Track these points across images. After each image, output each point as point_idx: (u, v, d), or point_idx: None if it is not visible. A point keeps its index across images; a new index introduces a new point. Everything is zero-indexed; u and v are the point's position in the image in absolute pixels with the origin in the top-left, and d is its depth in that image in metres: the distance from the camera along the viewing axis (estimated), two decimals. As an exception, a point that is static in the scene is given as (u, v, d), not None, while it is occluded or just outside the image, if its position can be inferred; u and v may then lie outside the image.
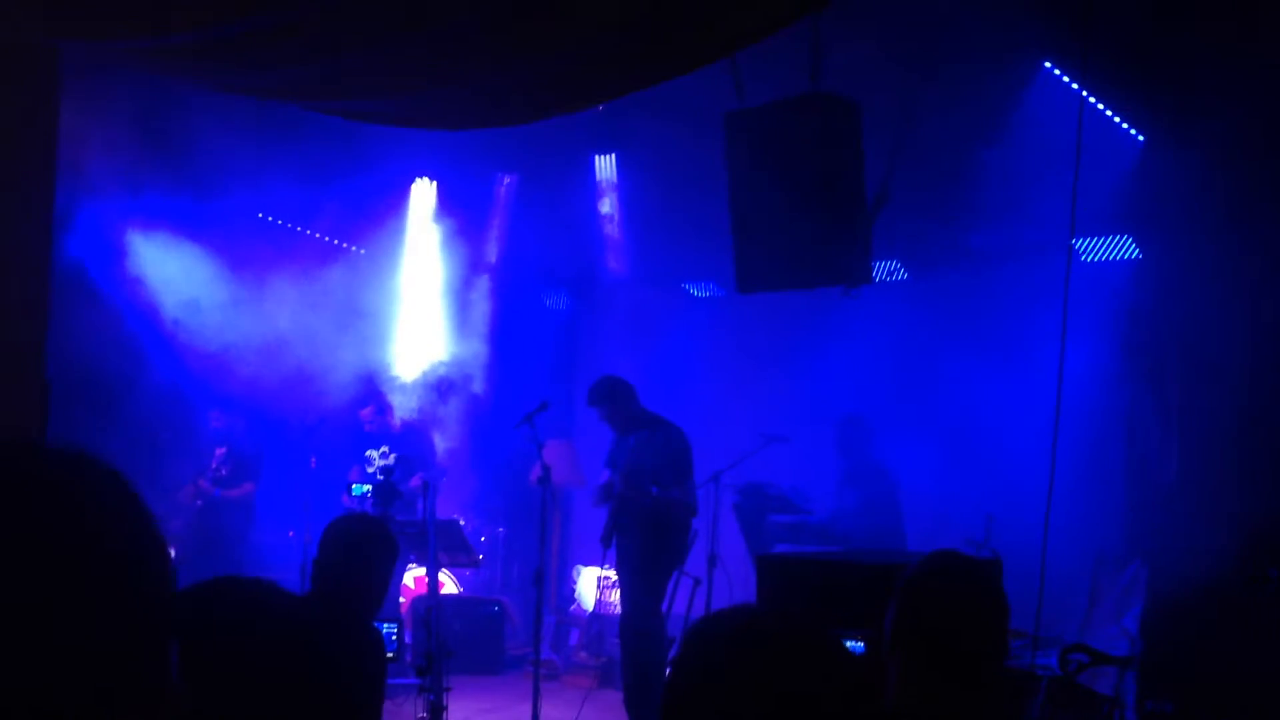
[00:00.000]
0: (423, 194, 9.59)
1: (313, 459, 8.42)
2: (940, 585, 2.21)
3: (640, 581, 6.72)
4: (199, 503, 8.28)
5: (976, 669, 2.13)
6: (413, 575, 8.65)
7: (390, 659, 4.00)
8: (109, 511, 0.84)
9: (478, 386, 9.66)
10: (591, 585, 9.17)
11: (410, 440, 8.74)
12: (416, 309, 9.93)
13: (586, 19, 3.70)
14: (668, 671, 1.39)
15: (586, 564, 9.44)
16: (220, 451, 8.41)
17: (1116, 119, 6.74)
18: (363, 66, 3.95)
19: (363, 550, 3.64)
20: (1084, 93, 5.95)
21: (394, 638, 4.30)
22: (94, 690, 0.78)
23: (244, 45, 3.84)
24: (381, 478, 7.25)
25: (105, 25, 3.88)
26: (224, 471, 8.36)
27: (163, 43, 3.96)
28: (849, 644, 2.62)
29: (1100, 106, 6.58)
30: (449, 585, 9.12)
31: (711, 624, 1.39)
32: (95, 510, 0.82)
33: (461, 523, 8.79)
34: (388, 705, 5.35)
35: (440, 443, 9.18)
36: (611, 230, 9.16)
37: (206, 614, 1.45)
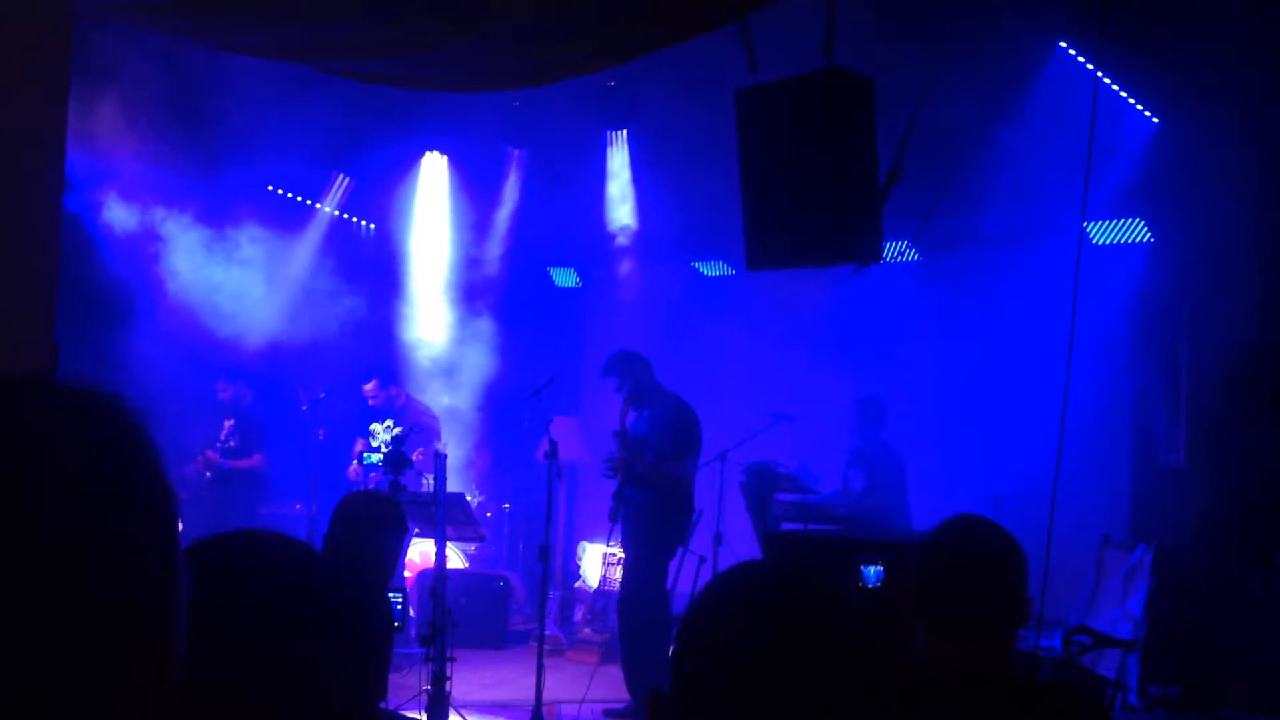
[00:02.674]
0: (433, 168, 9.56)
1: (320, 432, 8.44)
2: (946, 558, 2.24)
3: (642, 559, 6.74)
4: (208, 474, 8.31)
5: (985, 634, 2.17)
6: (419, 549, 8.67)
7: (396, 628, 4.03)
8: (100, 454, 0.79)
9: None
10: (596, 562, 9.19)
11: (412, 415, 8.76)
12: (425, 283, 9.93)
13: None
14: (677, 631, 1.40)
15: (591, 540, 9.46)
16: (229, 423, 8.44)
17: (1131, 101, 6.69)
18: (372, 25, 3.93)
19: (373, 526, 3.70)
20: (1099, 74, 5.90)
21: (399, 607, 4.33)
22: (67, 655, 0.74)
23: (255, 2, 3.81)
24: (390, 448, 7.26)
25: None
26: (232, 443, 8.39)
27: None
28: (869, 569, 2.66)
29: (1115, 88, 6.53)
30: (454, 560, 9.14)
31: (724, 576, 1.40)
32: (84, 450, 0.77)
33: (468, 497, 8.81)
34: (393, 676, 5.36)
35: (439, 414, 9.21)
36: (622, 207, 9.13)
37: (223, 565, 1.45)
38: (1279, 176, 6.46)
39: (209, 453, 8.31)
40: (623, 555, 7.12)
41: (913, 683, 2.15)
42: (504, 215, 9.75)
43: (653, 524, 6.71)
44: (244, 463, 8.36)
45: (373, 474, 8.26)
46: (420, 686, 5.83)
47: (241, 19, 3.94)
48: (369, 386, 8.81)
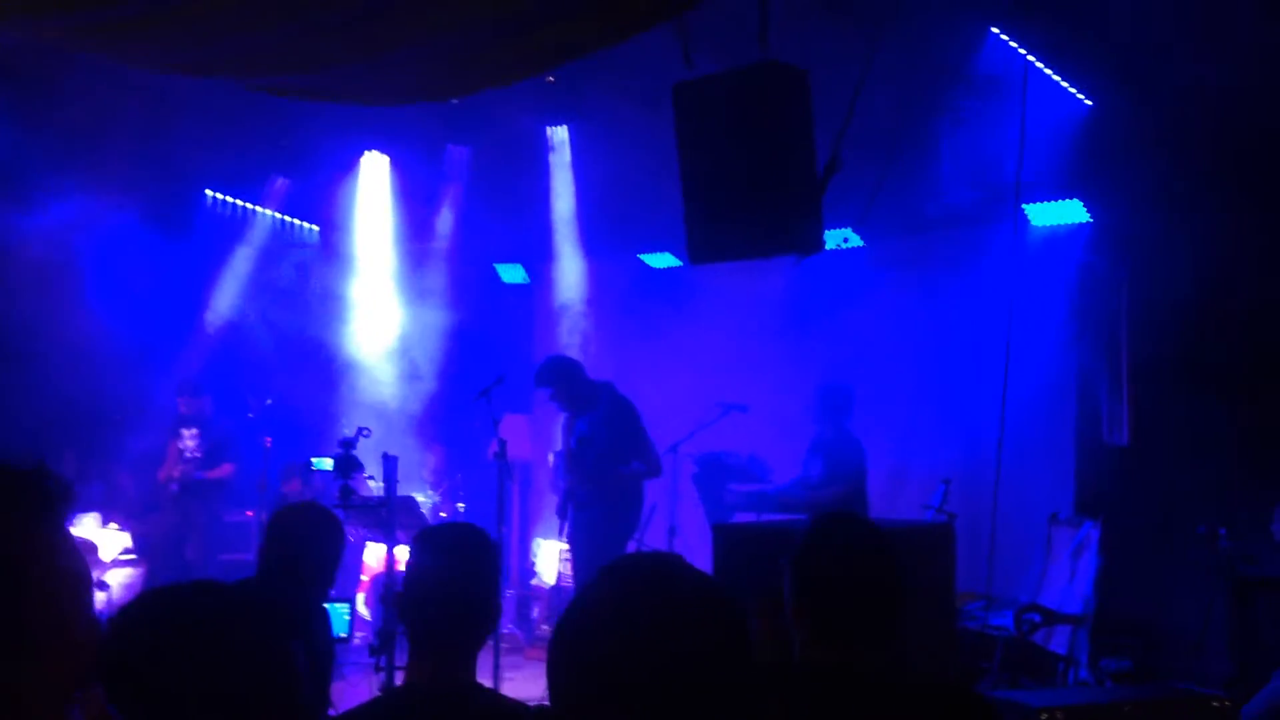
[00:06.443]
0: (374, 168, 9.48)
1: (268, 439, 8.35)
2: (823, 557, 2.25)
3: (593, 555, 6.75)
4: (174, 487, 8.26)
5: (866, 631, 2.18)
6: (374, 554, 8.61)
7: (342, 640, 4.00)
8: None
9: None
10: (551, 559, 9.18)
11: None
12: (369, 284, 9.85)
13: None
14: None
15: (545, 537, 9.44)
16: (194, 433, 8.38)
17: (1064, 83, 6.76)
18: (298, 38, 3.89)
19: (307, 539, 3.68)
20: (1030, 57, 5.96)
21: (345, 618, 4.29)
22: None
23: (182, 18, 3.76)
24: (341, 450, 7.20)
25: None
26: (199, 454, 8.35)
27: (102, 16, 3.87)
28: None
29: (1048, 71, 6.59)
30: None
31: (591, 585, 1.35)
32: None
33: (422, 498, 8.76)
34: (343, 685, 5.33)
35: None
36: (565, 202, 9.11)
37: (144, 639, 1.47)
38: (1209, 153, 6.55)
39: (177, 465, 8.31)
40: (570, 551, 7.16)
41: (792, 686, 2.15)
42: (448, 214, 9.69)
43: (603, 519, 6.74)
44: (214, 473, 8.36)
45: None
46: (371, 694, 5.79)
47: (165, 37, 3.89)
48: None
